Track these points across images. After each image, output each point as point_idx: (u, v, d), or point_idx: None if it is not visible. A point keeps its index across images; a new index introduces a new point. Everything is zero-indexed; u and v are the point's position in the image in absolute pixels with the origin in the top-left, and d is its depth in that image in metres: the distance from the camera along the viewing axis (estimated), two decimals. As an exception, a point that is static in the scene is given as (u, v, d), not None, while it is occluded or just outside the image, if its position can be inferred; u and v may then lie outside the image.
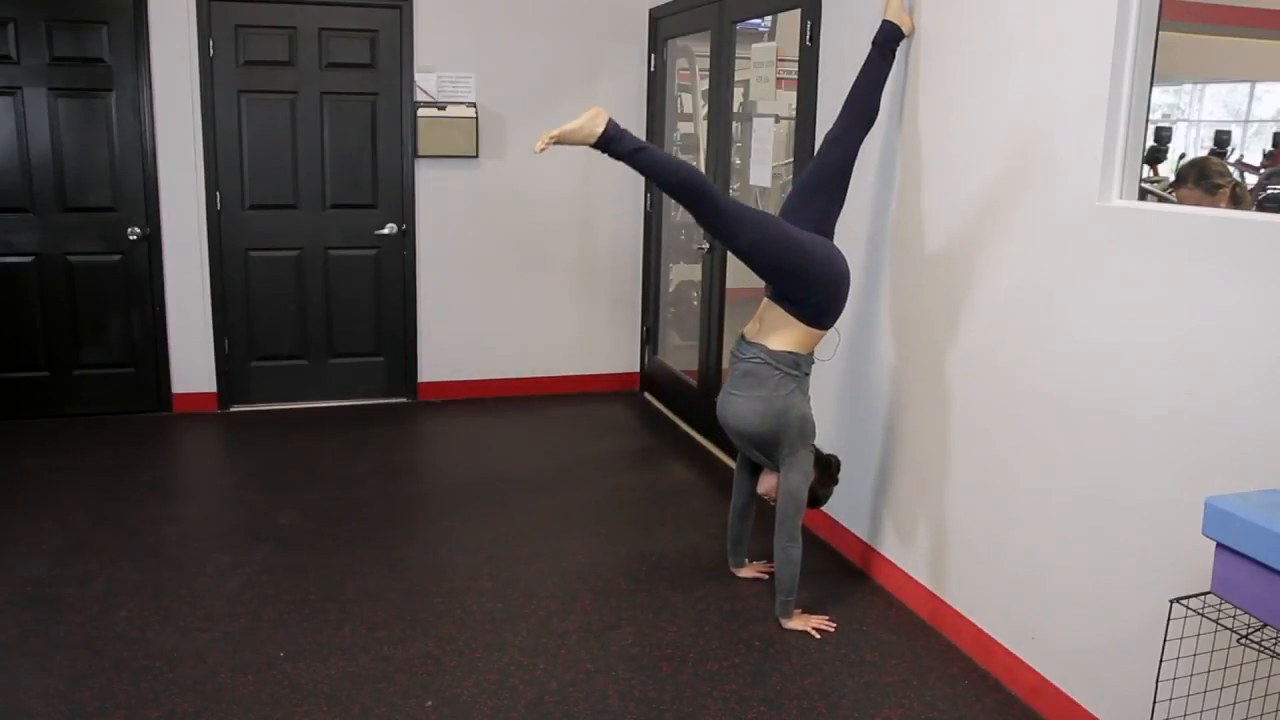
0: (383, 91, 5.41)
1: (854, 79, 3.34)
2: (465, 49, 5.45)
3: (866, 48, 3.58)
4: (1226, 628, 1.84)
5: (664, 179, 3.07)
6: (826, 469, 3.34)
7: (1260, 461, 2.12)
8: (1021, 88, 2.82)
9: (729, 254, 4.92)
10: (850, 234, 3.73)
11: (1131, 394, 2.47)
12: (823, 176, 3.28)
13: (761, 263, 3.09)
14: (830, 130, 3.33)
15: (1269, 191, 4.44)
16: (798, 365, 3.17)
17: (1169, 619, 1.95)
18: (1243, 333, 2.17)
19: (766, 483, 3.35)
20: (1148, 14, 2.49)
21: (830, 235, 3.26)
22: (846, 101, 3.32)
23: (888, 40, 3.28)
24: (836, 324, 3.28)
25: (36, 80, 4.97)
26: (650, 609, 3.35)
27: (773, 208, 6.39)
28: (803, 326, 3.15)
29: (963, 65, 3.07)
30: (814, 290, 3.12)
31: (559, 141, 2.97)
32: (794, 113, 4.25)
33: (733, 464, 4.72)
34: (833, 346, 3.64)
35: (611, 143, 3.00)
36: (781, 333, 3.16)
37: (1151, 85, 2.54)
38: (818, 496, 3.34)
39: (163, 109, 5.11)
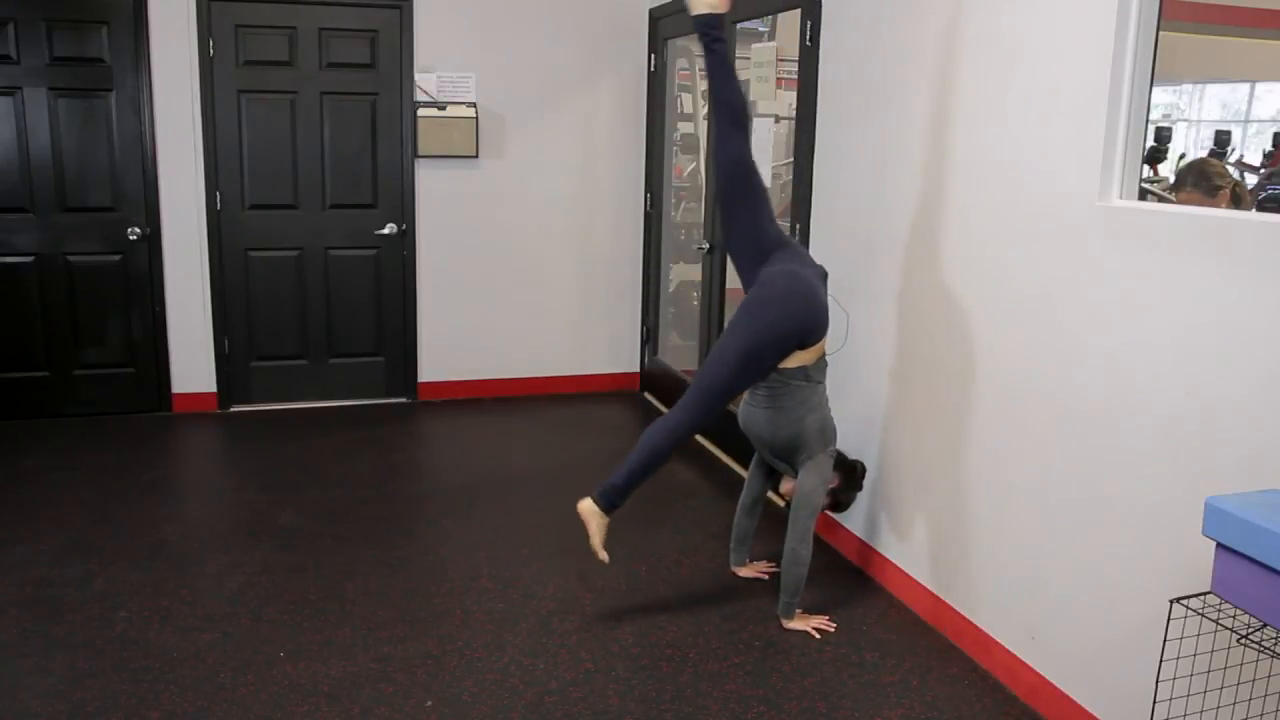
0: (383, 91, 5.41)
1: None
2: (465, 49, 5.45)
3: (867, 47, 3.59)
4: (1226, 628, 1.84)
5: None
6: (851, 474, 3.36)
7: (1260, 461, 2.12)
8: (1021, 87, 2.82)
9: (729, 254, 4.93)
10: (850, 234, 3.74)
11: (1131, 394, 2.47)
12: (726, 192, 3.19)
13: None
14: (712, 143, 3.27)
15: (1269, 191, 4.44)
16: (809, 376, 3.18)
17: (1169, 619, 1.95)
18: (1243, 333, 2.17)
19: (788, 484, 3.36)
20: (1148, 14, 2.50)
21: (775, 242, 3.19)
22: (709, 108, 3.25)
23: (707, 29, 3.07)
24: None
25: (36, 80, 4.97)
26: (650, 609, 3.35)
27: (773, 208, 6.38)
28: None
29: (962, 64, 3.07)
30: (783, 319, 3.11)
31: None
32: (794, 113, 4.25)
33: (733, 465, 4.73)
34: (842, 336, 3.63)
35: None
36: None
37: (1151, 85, 2.54)
38: (839, 501, 3.37)
39: (163, 109, 5.11)
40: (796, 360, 3.15)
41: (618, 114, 5.78)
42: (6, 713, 2.69)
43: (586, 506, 3.18)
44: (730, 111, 3.11)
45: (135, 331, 5.31)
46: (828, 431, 3.23)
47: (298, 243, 5.45)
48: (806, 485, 3.19)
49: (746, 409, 3.30)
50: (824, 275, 3.24)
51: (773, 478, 3.53)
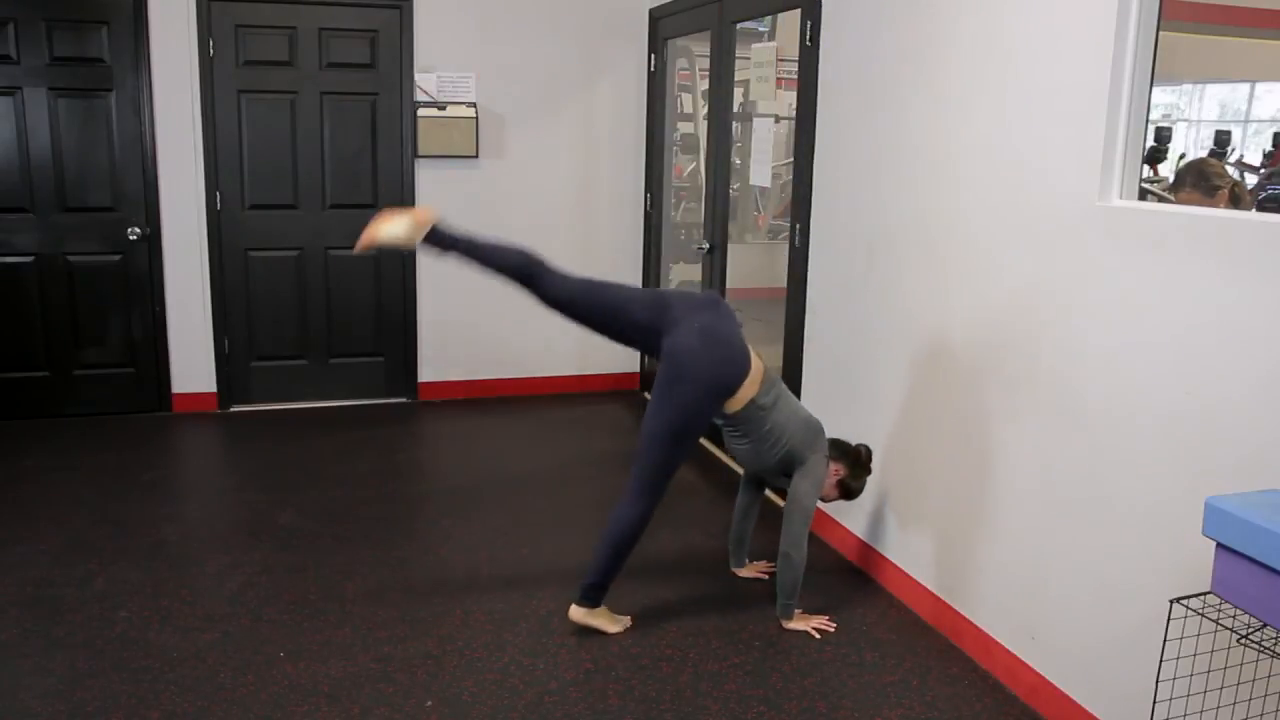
0: (383, 91, 5.40)
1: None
2: (465, 49, 5.45)
3: (867, 47, 3.59)
4: (1226, 628, 1.84)
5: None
6: (856, 460, 3.33)
7: (1260, 461, 2.12)
8: (1021, 87, 2.82)
9: (729, 254, 4.94)
10: (850, 234, 3.74)
11: (1132, 394, 2.47)
12: (585, 321, 3.07)
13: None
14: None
15: (1269, 191, 4.44)
16: (761, 406, 3.11)
17: (1169, 619, 1.95)
18: (1243, 333, 2.17)
19: None
20: (1148, 14, 2.50)
21: (657, 314, 3.01)
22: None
23: (433, 244, 3.06)
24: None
25: (36, 80, 4.96)
26: (650, 609, 3.35)
27: (772, 206, 6.41)
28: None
29: (962, 64, 3.07)
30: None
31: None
32: (794, 113, 4.25)
33: (733, 465, 4.73)
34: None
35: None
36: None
37: (1151, 85, 2.54)
38: (851, 489, 3.35)
39: (163, 109, 5.11)
40: (739, 402, 3.08)
41: (618, 114, 5.78)
42: (6, 713, 2.69)
43: (578, 613, 3.17)
44: (519, 274, 3.03)
45: (135, 331, 5.31)
46: (811, 436, 3.20)
47: (298, 243, 5.45)
48: (799, 489, 3.18)
49: (729, 442, 3.30)
50: (715, 302, 3.11)
51: (766, 484, 3.54)
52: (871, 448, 3.40)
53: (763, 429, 3.14)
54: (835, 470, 3.30)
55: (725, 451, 4.85)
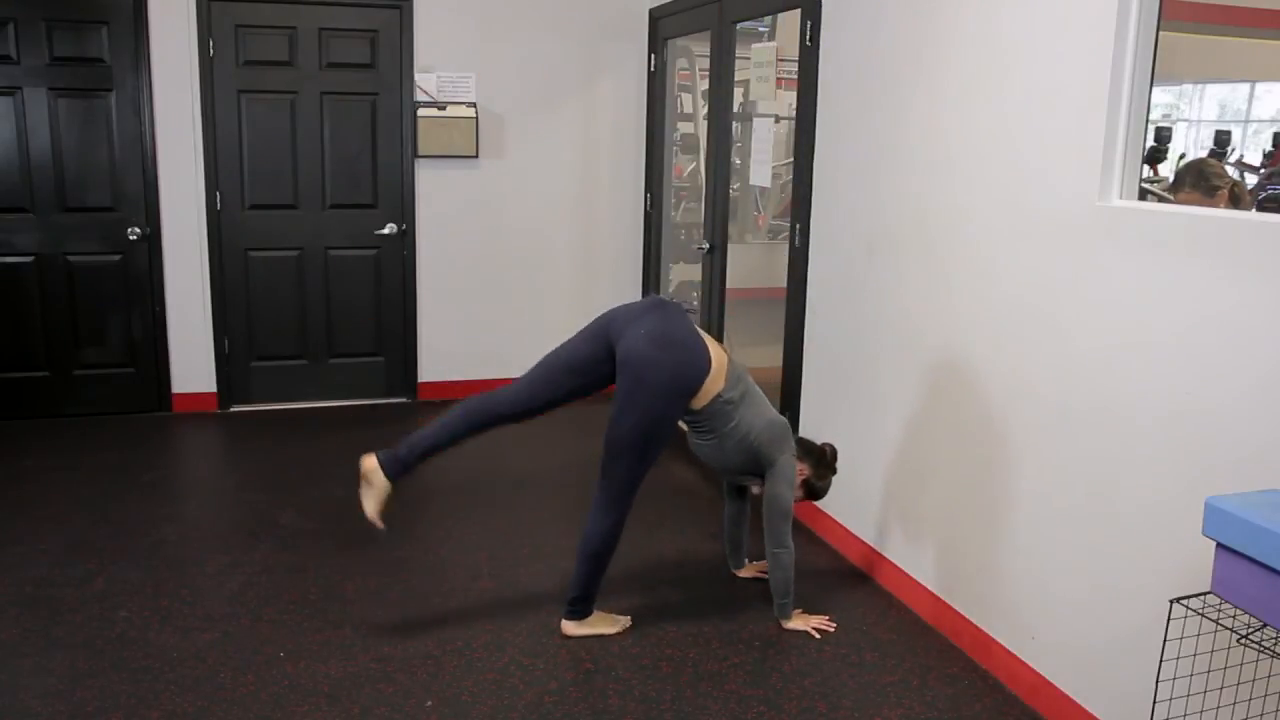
0: (383, 91, 5.41)
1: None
2: (465, 49, 5.45)
3: (866, 47, 3.60)
4: (1226, 628, 1.84)
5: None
6: (821, 460, 3.30)
7: (1260, 461, 2.12)
8: (1021, 87, 2.83)
9: (729, 254, 4.94)
10: (849, 234, 3.74)
11: (1131, 394, 2.47)
12: (569, 395, 3.15)
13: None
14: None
15: (1269, 191, 4.44)
16: (729, 400, 3.07)
17: (1169, 619, 1.95)
18: (1243, 333, 2.17)
19: (757, 488, 3.35)
20: (1148, 14, 2.50)
21: (605, 338, 3.04)
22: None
23: (396, 465, 3.17)
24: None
25: (36, 80, 4.97)
26: (650, 609, 3.35)
27: (772, 206, 6.40)
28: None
29: (962, 64, 3.07)
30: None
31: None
32: (794, 113, 4.25)
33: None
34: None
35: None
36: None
37: (1151, 85, 2.54)
38: (816, 489, 3.31)
39: (163, 109, 5.11)
40: (704, 398, 3.04)
41: (618, 114, 5.78)
42: (6, 713, 2.69)
43: (570, 627, 3.16)
44: (478, 426, 3.17)
45: (135, 331, 5.31)
46: (776, 435, 3.15)
47: (298, 243, 5.45)
48: (772, 491, 3.16)
49: (694, 443, 3.25)
50: (659, 304, 3.10)
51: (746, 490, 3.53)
52: (868, 464, 3.39)
53: (728, 425, 3.10)
54: (800, 470, 3.24)
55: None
